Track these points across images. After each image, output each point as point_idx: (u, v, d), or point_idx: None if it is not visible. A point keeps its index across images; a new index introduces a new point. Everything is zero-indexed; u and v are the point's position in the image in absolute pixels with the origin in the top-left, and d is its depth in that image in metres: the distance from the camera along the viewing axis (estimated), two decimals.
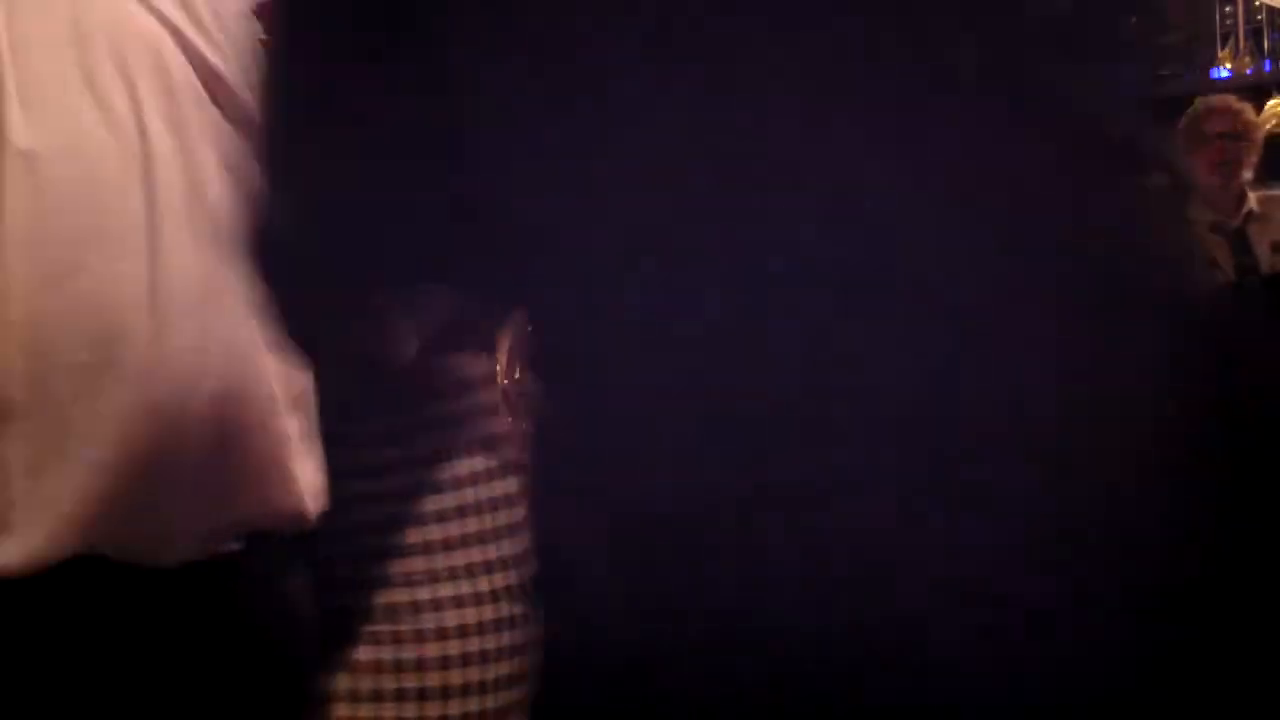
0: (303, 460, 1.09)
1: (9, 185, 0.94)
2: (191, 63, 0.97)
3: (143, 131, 0.95)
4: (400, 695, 1.27)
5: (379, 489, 1.29)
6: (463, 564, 1.30)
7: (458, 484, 1.29)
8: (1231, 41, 8.66)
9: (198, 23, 0.98)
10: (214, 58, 0.98)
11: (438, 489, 1.27)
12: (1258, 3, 8.89)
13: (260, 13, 0.98)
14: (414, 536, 1.28)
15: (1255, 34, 9.24)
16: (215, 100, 0.99)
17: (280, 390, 1.06)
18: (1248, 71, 7.98)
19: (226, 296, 0.97)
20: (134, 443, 0.99)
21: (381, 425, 1.27)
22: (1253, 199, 4.10)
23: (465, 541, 1.29)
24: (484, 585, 1.29)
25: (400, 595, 1.29)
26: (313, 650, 1.20)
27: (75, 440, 0.97)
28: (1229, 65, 8.32)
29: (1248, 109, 4.16)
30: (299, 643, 1.17)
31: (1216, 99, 4.13)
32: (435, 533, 1.29)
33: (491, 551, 1.29)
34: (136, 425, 0.99)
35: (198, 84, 0.97)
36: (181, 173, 0.97)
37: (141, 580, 1.04)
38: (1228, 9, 8.91)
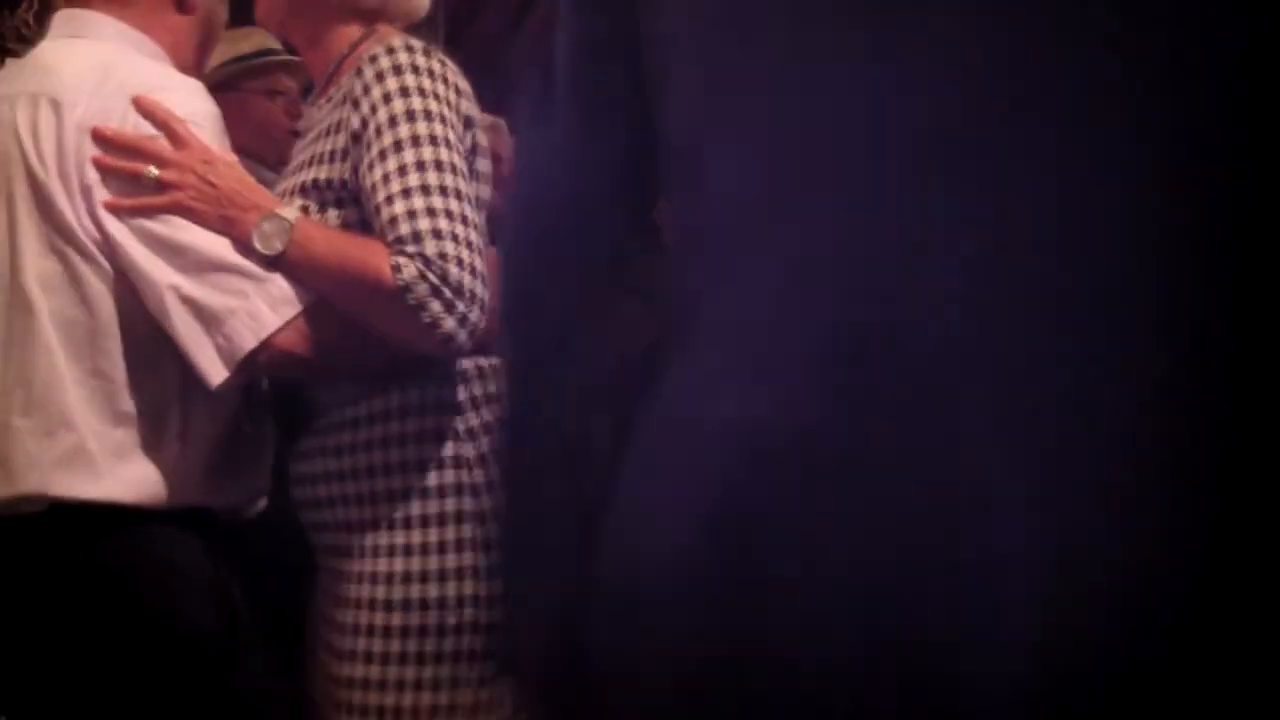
0: (110, 460, 1.40)
1: None
2: (29, 180, 1.42)
3: None
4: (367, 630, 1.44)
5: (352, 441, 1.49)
6: (418, 514, 1.45)
7: (404, 440, 1.47)
8: None
9: (39, 155, 1.41)
10: (41, 175, 1.41)
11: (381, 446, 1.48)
12: None
13: (95, 135, 1.41)
14: (358, 488, 1.47)
15: None
16: (40, 204, 1.41)
17: (79, 407, 1.39)
18: None
19: (26, 334, 1.40)
20: None
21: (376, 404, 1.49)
22: None
23: (425, 494, 1.45)
24: (434, 537, 1.44)
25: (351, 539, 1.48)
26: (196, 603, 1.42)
27: None
28: None
29: None
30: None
31: None
32: (380, 484, 1.46)
33: (434, 506, 1.45)
34: None
35: (29, 193, 1.42)
36: (7, 247, 1.43)
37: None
38: None
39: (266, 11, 1.61)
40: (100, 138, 1.41)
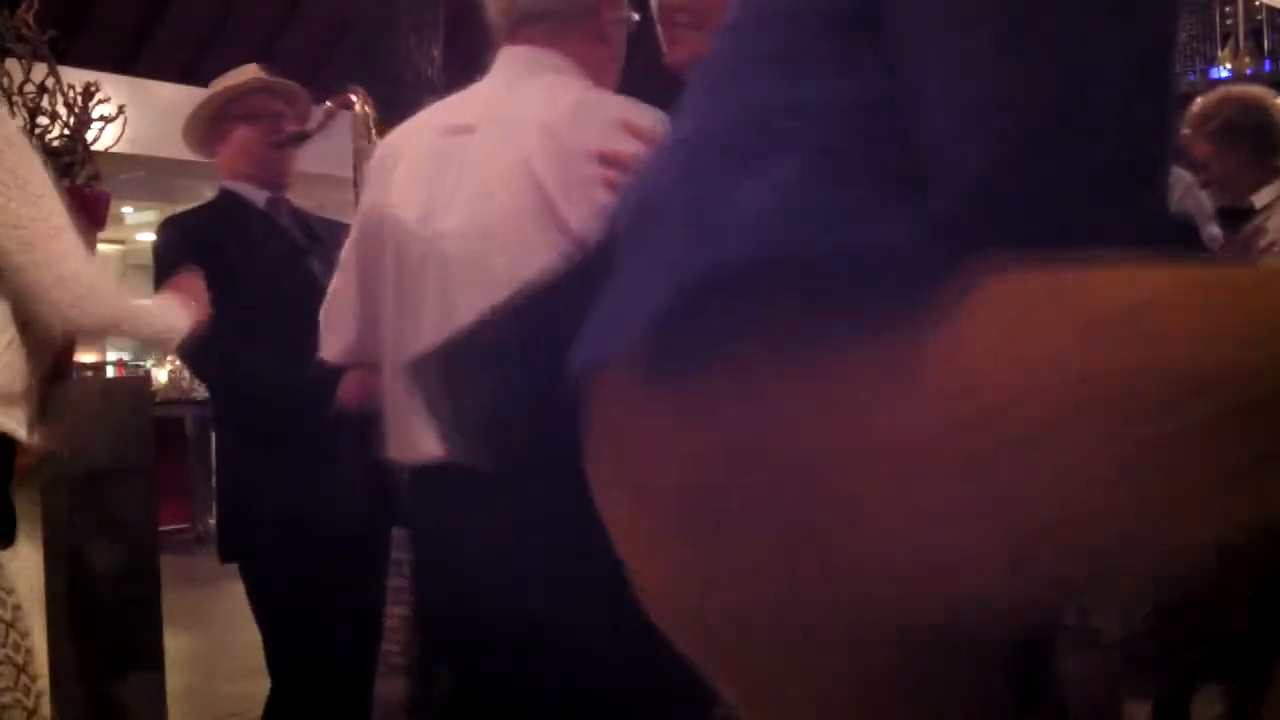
0: None
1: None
2: (537, 193, 1.65)
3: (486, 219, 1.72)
4: None
5: None
6: None
7: None
8: (1231, 41, 8.67)
9: (546, 171, 1.65)
10: (548, 188, 1.65)
11: None
12: (1258, 2, 8.89)
13: (604, 157, 1.60)
14: None
15: (1255, 34, 9.25)
16: (545, 211, 1.64)
17: None
18: (1248, 71, 7.98)
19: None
20: None
21: None
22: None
23: None
24: None
25: None
26: None
27: None
28: (1229, 65, 8.33)
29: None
30: None
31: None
32: None
33: None
34: None
35: (536, 204, 1.65)
36: (519, 247, 1.67)
37: None
38: (1228, 9, 8.92)
39: (684, 60, 1.77)
40: (607, 158, 1.61)
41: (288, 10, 8.57)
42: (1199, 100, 3.56)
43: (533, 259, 1.56)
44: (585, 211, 1.61)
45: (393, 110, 2.55)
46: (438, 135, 1.79)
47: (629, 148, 1.62)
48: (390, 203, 1.78)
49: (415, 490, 1.76)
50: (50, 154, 2.87)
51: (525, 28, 1.79)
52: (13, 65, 2.94)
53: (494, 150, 1.71)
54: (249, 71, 2.50)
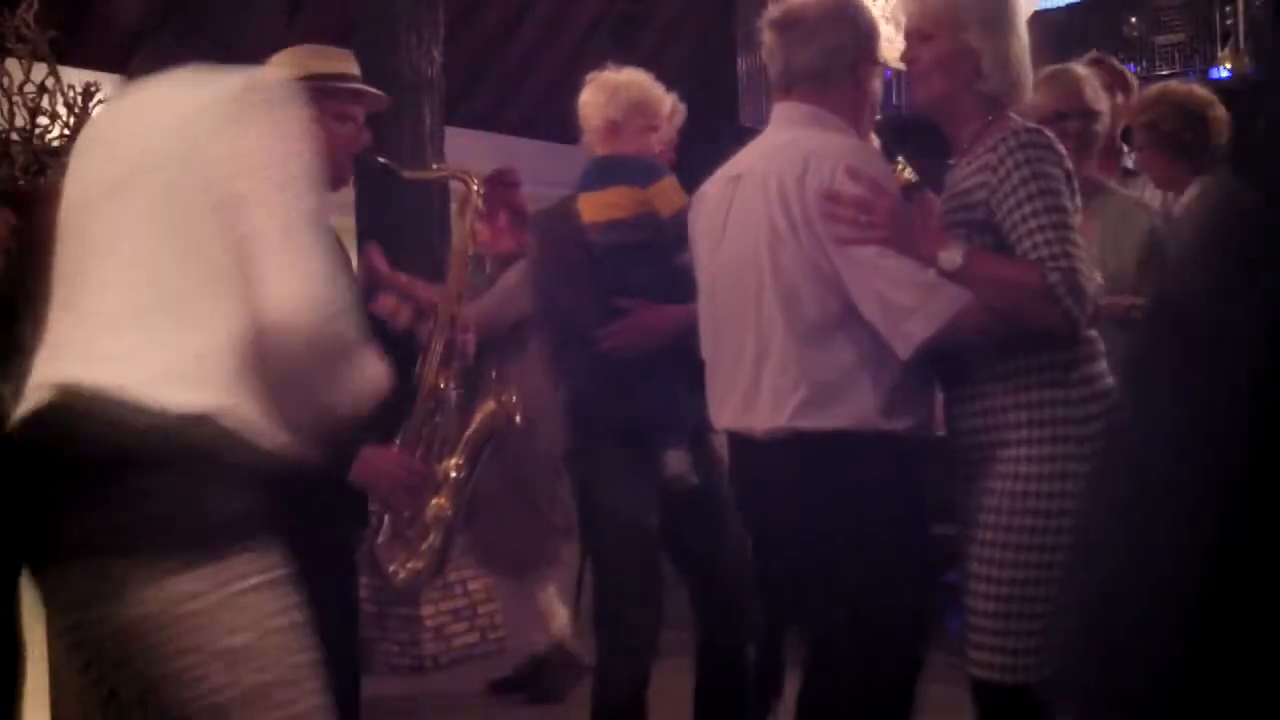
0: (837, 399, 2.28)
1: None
2: (772, 230, 2.20)
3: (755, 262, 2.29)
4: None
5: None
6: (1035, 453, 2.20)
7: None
8: (1231, 41, 8.66)
9: (785, 212, 2.19)
10: (782, 226, 2.19)
11: None
12: (1259, 2, 8.87)
13: (828, 196, 2.16)
14: None
15: (1255, 34, 9.23)
16: (782, 241, 2.20)
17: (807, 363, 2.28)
18: (1248, 71, 7.97)
19: (772, 320, 2.28)
20: None
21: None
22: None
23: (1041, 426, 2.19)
24: (1046, 468, 2.18)
25: None
26: None
27: None
28: (1229, 65, 8.32)
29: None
30: None
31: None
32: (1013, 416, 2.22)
33: (1047, 448, 2.20)
34: None
35: (771, 237, 2.20)
36: (759, 272, 2.25)
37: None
38: (1228, 9, 8.91)
39: (924, 100, 2.27)
40: (830, 197, 2.11)
41: (288, 10, 8.56)
42: (1142, 93, 3.48)
43: (770, 281, 2.19)
44: (811, 242, 2.13)
45: (393, 110, 2.54)
46: (723, 183, 2.35)
47: (850, 190, 2.09)
48: (695, 241, 2.43)
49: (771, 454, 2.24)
50: (50, 154, 2.87)
51: (795, 86, 2.28)
52: (13, 65, 2.94)
53: (749, 196, 2.24)
54: (348, 60, 2.45)
